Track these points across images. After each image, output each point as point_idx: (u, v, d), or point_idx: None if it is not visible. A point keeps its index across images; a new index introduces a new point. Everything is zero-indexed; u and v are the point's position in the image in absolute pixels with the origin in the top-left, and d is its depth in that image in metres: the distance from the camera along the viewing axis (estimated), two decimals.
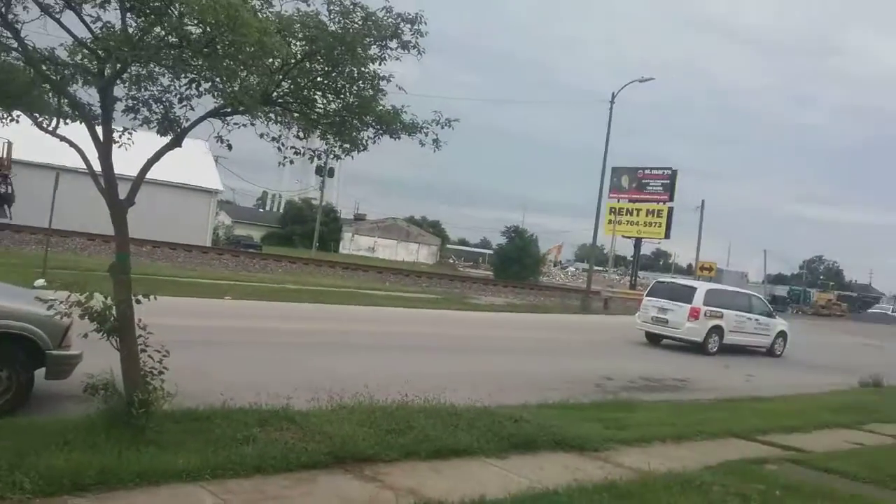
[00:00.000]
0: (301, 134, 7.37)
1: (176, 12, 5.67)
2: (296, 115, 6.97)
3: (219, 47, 5.82)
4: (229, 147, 6.64)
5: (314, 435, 6.41)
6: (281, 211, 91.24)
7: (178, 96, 6.40)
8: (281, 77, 6.64)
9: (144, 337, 6.28)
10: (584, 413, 9.21)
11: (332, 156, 7.58)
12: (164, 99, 6.46)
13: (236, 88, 6.14)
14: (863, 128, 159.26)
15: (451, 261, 77.33)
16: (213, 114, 6.71)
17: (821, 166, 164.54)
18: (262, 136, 6.86)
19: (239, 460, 5.66)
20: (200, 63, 6.01)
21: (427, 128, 7.23)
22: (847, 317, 59.97)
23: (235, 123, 6.79)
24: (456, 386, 9.25)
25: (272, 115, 6.92)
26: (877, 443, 9.98)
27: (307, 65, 6.76)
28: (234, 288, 19.59)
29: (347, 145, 7.16)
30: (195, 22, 5.71)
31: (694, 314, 18.90)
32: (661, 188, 46.26)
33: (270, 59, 6.27)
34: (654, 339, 20.09)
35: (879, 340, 30.89)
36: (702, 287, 20.21)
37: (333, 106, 7.07)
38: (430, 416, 7.39)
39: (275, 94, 6.67)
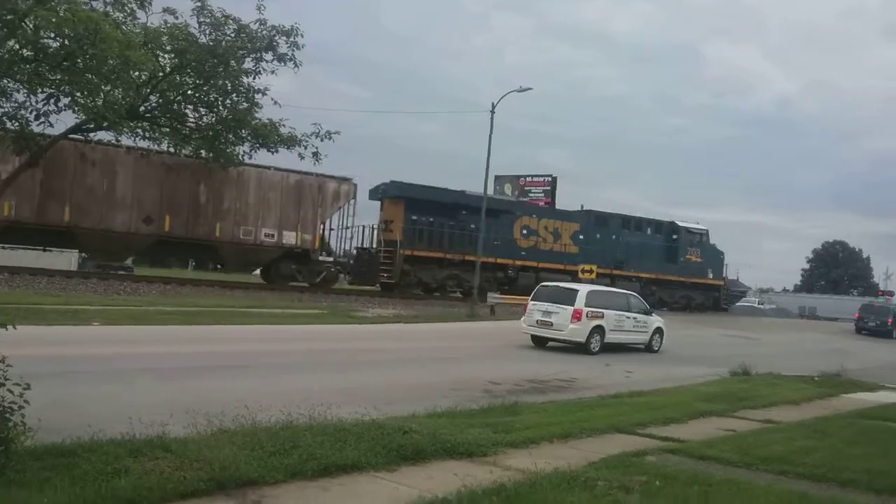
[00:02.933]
0: (172, 149, 7.06)
1: (31, 25, 5.31)
2: (166, 129, 6.66)
3: (79, 61, 5.49)
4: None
5: (192, 462, 6.13)
6: None
7: (35, 113, 5.98)
8: (148, 91, 6.33)
9: (3, 370, 5.85)
10: (473, 419, 9.26)
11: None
12: (18, 116, 6.03)
13: (99, 103, 5.81)
14: (723, 129, 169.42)
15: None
16: (75, 130, 6.33)
17: (688, 167, 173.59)
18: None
19: (110, 494, 5.33)
20: (59, 77, 5.65)
21: (306, 141, 7.06)
22: (718, 311, 63.16)
23: (99, 140, 6.46)
24: (342, 401, 9.11)
25: (139, 131, 6.59)
26: (747, 428, 10.55)
27: (177, 78, 6.48)
28: (103, 313, 18.56)
29: (222, 160, 6.91)
30: (52, 35, 5.37)
31: (576, 316, 19.45)
32: (542, 194, 47.57)
33: (136, 73, 5.97)
34: (539, 342, 20.53)
35: (750, 332, 32.78)
36: (583, 289, 20.80)
37: (206, 120, 6.80)
38: (317, 434, 7.24)
39: (142, 108, 6.35)
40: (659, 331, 22.11)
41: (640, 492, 6.47)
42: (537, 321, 20.11)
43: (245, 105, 6.34)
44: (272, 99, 6.66)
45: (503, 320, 28.44)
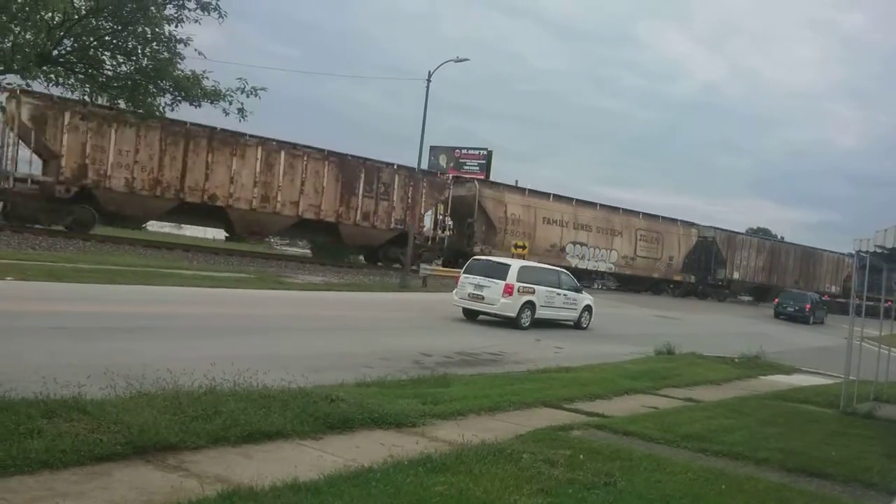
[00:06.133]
0: (87, 98, 6.66)
1: None
2: (81, 76, 6.26)
3: None
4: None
5: (110, 425, 5.91)
6: None
7: None
8: (62, 34, 5.92)
9: None
10: (402, 390, 9.21)
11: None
12: None
13: (7, 46, 5.40)
14: (653, 113, 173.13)
15: (266, 239, 74.43)
16: None
17: (619, 149, 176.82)
18: None
19: (22, 456, 5.12)
20: None
21: (231, 96, 6.75)
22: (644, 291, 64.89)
23: (9, 84, 6.00)
24: (269, 367, 8.91)
25: (53, 76, 6.18)
26: (669, 406, 10.79)
27: (93, 22, 6.07)
28: (17, 268, 17.73)
29: (141, 111, 6.55)
30: None
31: (508, 290, 19.55)
32: (477, 167, 47.59)
33: (49, 14, 5.56)
34: (470, 315, 20.59)
35: (672, 312, 33.68)
36: (515, 264, 20.90)
37: (125, 68, 6.42)
38: (241, 400, 7.07)
39: (56, 52, 5.95)
40: (588, 308, 22.42)
41: (564, 465, 6.52)
42: (469, 294, 20.15)
43: (166, 55, 6.07)
44: (196, 50, 6.41)
45: (435, 292, 28.43)
